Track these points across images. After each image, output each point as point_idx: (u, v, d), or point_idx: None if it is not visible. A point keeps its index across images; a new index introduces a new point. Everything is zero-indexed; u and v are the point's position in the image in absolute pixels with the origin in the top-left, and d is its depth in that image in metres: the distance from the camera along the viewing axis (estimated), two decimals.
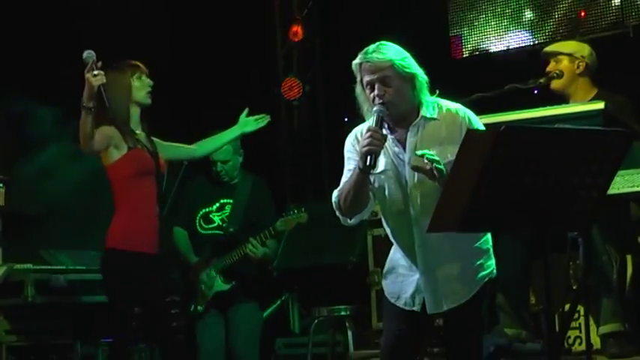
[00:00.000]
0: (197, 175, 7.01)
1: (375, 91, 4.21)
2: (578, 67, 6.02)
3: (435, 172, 4.07)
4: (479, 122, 4.36)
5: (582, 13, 8.41)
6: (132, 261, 5.38)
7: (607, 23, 8.29)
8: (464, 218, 3.70)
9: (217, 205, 6.93)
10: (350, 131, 4.44)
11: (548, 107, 5.36)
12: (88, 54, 5.21)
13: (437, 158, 4.09)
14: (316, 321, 6.96)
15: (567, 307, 5.40)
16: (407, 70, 4.24)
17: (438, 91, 4.35)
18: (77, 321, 6.64)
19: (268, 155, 8.91)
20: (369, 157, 4.12)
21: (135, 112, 5.57)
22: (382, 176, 4.30)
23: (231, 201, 6.91)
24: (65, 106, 5.94)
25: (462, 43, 8.97)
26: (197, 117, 8.20)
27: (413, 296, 4.37)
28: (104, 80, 5.15)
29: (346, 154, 4.41)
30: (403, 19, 8.52)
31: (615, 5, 8.22)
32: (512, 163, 3.62)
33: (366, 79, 4.24)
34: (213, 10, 9.06)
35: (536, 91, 6.07)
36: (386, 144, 4.20)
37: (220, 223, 6.88)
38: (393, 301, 4.44)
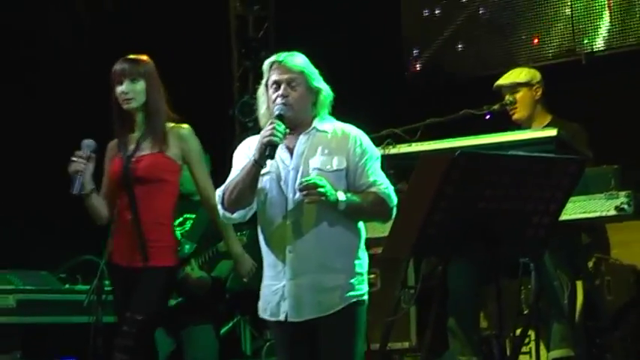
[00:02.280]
0: None
1: (280, 91, 4.27)
2: (536, 93, 6.06)
3: (320, 198, 4.10)
4: (370, 144, 4.36)
5: (535, 40, 8.48)
6: (111, 273, 5.33)
7: (559, 50, 8.37)
8: (417, 242, 3.70)
9: (180, 219, 6.90)
10: None
11: (502, 133, 5.37)
12: (89, 143, 5.15)
13: (322, 183, 4.11)
14: (268, 344, 6.93)
15: (518, 331, 5.41)
16: (314, 82, 4.32)
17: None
18: (26, 342, 6.54)
19: (222, 176, 8.87)
20: (268, 148, 4.16)
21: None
22: (265, 178, 4.30)
23: (194, 216, 6.88)
24: None
25: (417, 64, 9.05)
26: None
27: (278, 304, 4.30)
28: (80, 168, 5.07)
29: (237, 159, 4.43)
30: (359, 40, 8.57)
31: (568, 33, 8.30)
32: (466, 188, 3.62)
33: (274, 78, 4.29)
34: (169, 30, 9.02)
35: (488, 116, 6.09)
36: None
37: (180, 238, 6.85)
38: (262, 315, 4.40)
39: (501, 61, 8.42)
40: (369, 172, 4.24)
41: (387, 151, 5.43)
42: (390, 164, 5.19)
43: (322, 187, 4.11)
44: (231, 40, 9.45)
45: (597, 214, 5.23)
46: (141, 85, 5.20)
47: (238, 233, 6.60)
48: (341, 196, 4.15)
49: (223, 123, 9.17)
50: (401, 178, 5.19)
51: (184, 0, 8.92)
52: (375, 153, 4.33)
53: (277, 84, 4.30)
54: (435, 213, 3.63)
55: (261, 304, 4.41)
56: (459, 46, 8.87)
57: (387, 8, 9.06)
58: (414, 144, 5.44)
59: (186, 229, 6.85)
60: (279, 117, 4.23)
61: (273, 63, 4.34)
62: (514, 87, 6.05)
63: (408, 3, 9.12)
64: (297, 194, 4.21)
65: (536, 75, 6.12)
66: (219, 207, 4.38)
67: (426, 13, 9.04)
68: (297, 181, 4.22)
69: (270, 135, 4.16)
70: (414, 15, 9.10)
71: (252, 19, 9.48)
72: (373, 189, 4.21)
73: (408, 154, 5.42)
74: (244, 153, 4.41)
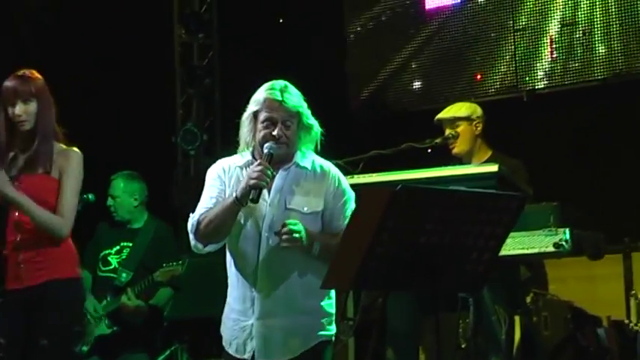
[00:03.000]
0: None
1: (276, 131, 4.20)
2: (476, 128, 6.10)
3: (295, 244, 4.10)
4: (347, 185, 4.38)
5: (478, 76, 8.56)
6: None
7: (502, 87, 8.45)
8: (357, 276, 3.68)
9: (117, 247, 6.86)
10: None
11: (444, 167, 5.39)
12: None
13: (297, 228, 4.10)
14: None
15: None
16: (308, 120, 4.28)
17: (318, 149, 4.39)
18: None
19: (163, 205, 8.81)
20: (253, 191, 4.10)
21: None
22: (243, 209, 4.23)
23: (131, 244, 6.83)
24: None
25: (361, 96, 9.09)
26: (93, 161, 8.06)
27: (245, 343, 4.26)
28: None
29: (209, 181, 4.35)
30: (303, 70, 8.58)
31: (510, 69, 8.39)
32: (407, 222, 3.62)
33: (269, 114, 4.22)
34: (113, 54, 8.97)
35: (429, 150, 6.13)
36: None
37: (117, 266, 6.79)
38: (226, 348, 4.34)
39: (445, 95, 8.51)
40: (346, 214, 4.24)
41: None
42: None
43: (298, 232, 4.10)
44: (175, 67, 9.41)
45: (536, 251, 5.26)
46: (33, 106, 4.95)
47: (174, 263, 6.58)
48: (315, 244, 4.14)
49: (166, 150, 9.12)
50: None
51: (129, 25, 8.88)
52: (352, 194, 4.31)
53: (272, 122, 4.22)
54: (376, 246, 3.63)
55: (226, 337, 4.34)
56: (404, 79, 8.93)
57: (332, 39, 9.11)
58: (356, 176, 5.44)
59: (123, 257, 6.80)
60: (269, 156, 4.17)
61: (268, 99, 4.24)
62: (454, 121, 6.09)
63: (354, 35, 9.17)
64: (271, 232, 4.18)
65: (477, 110, 6.16)
66: (191, 236, 4.29)
67: (371, 45, 9.09)
68: (273, 218, 4.19)
69: (258, 178, 4.09)
70: (359, 47, 9.16)
71: (197, 46, 9.46)
72: None
73: (350, 187, 5.42)
74: (218, 176, 4.33)
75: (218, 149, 9.18)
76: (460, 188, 4.36)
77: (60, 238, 4.91)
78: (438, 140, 6.04)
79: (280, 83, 4.29)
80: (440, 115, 6.16)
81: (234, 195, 4.15)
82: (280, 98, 4.22)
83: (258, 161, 4.18)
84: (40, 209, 4.86)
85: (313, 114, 4.34)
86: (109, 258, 6.83)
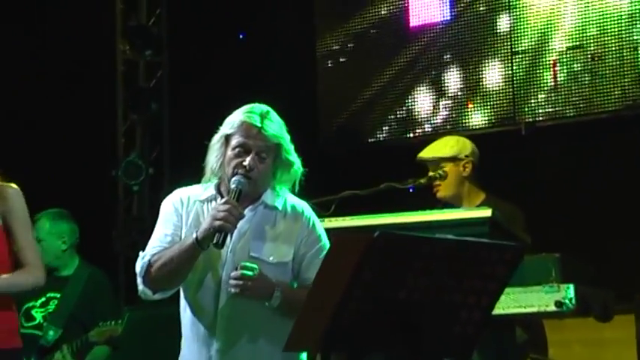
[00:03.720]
0: None
1: (247, 161, 4.18)
2: (464, 169, 6.10)
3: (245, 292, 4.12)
4: (321, 228, 4.39)
5: (469, 105, 8.61)
6: None
7: (496, 118, 8.50)
8: (326, 336, 3.68)
9: (42, 299, 6.82)
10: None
11: (428, 211, 5.41)
12: None
13: (250, 267, 4.11)
14: None
15: None
16: (289, 156, 4.28)
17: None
18: None
19: (102, 247, 8.79)
20: (217, 235, 4.08)
21: None
22: (202, 253, 4.22)
23: (59, 295, 6.80)
24: None
25: (332, 126, 9.12)
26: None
27: None
28: None
29: (165, 216, 4.32)
30: (268, 97, 8.59)
31: (507, 97, 8.44)
32: (385, 274, 3.63)
33: (242, 140, 4.20)
34: (43, 71, 8.97)
35: (411, 189, 6.14)
36: None
37: (42, 321, 6.76)
38: None
39: (431, 126, 8.56)
40: (318, 265, 4.20)
41: None
42: None
43: (251, 269, 4.10)
44: (117, 88, 9.40)
45: (535, 309, 5.27)
46: None
47: (112, 322, 6.55)
48: (276, 293, 4.14)
49: (105, 186, 9.10)
50: None
51: (63, 38, 8.88)
52: (327, 241, 4.31)
53: (245, 150, 4.21)
54: (348, 302, 3.63)
55: None
56: (383, 105, 8.96)
57: (301, 58, 9.13)
58: (327, 219, 5.44)
59: (50, 310, 6.76)
60: (237, 192, 4.16)
61: (245, 123, 4.23)
62: (438, 162, 6.09)
63: (326, 55, 9.21)
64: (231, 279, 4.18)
65: (466, 146, 6.14)
66: (139, 280, 4.26)
67: (346, 66, 9.13)
68: (234, 267, 4.18)
69: (224, 220, 4.08)
70: (331, 69, 9.19)
71: (143, 65, 9.47)
72: None
73: None
74: (175, 209, 4.32)
75: (166, 185, 9.17)
76: (447, 236, 4.37)
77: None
78: (422, 180, 6.05)
79: (262, 107, 4.29)
80: (421, 155, 6.16)
81: (194, 236, 4.14)
82: (259, 124, 4.21)
83: (225, 199, 4.17)
84: (3, 280, 4.99)
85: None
86: (33, 312, 6.79)
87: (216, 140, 4.28)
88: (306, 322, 3.76)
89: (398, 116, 8.93)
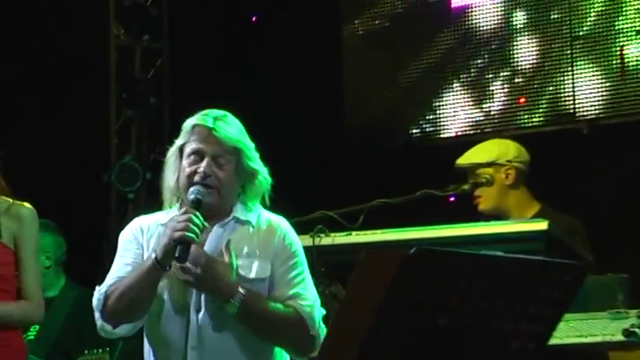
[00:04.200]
0: None
1: (202, 167, 4.25)
2: (507, 177, 6.03)
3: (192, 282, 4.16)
4: (299, 245, 4.44)
5: (522, 100, 8.61)
6: None
7: (553, 114, 8.49)
8: None
9: None
10: None
11: (473, 224, 5.42)
12: None
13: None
14: None
15: None
16: (252, 164, 4.34)
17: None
18: None
19: (92, 264, 8.82)
20: (179, 247, 4.11)
21: None
22: (164, 279, 4.26)
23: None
24: None
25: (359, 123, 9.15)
26: None
27: None
28: None
29: (124, 244, 4.40)
30: (283, 90, 8.62)
31: (566, 92, 8.42)
32: (422, 297, 3.63)
33: (196, 146, 4.28)
34: (25, 61, 9.02)
35: (453, 198, 6.13)
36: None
37: None
38: None
39: (475, 124, 8.56)
40: (293, 281, 4.30)
41: (317, 242, 5.43)
42: (320, 259, 5.20)
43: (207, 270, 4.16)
44: (109, 79, 9.42)
45: (599, 339, 5.28)
46: None
47: (99, 350, 6.58)
48: (236, 297, 4.16)
49: (95, 193, 9.13)
50: (335, 278, 5.20)
51: (49, 23, 8.94)
52: (304, 258, 4.39)
53: (199, 156, 4.27)
54: (380, 329, 3.63)
55: None
56: (416, 103, 8.97)
57: (323, 42, 9.13)
58: (354, 233, 5.46)
59: (30, 337, 6.80)
60: (196, 203, 4.21)
61: (197, 126, 4.31)
62: (474, 168, 6.06)
63: (352, 40, 9.22)
64: (203, 310, 4.22)
65: (508, 151, 6.08)
66: (97, 315, 4.32)
67: (373, 55, 9.13)
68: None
69: (184, 229, 4.11)
70: (357, 57, 9.20)
71: (140, 52, 9.48)
72: (291, 302, 4.25)
73: (347, 247, 5.44)
74: (135, 238, 4.38)
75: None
76: (496, 253, 4.37)
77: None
78: (465, 187, 6.04)
79: (217, 111, 4.36)
80: (457, 161, 6.14)
81: (153, 256, 4.18)
82: (211, 125, 4.29)
83: (184, 209, 4.22)
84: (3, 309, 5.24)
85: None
86: None
87: (170, 154, 4.39)
88: (332, 353, 3.77)
89: (436, 113, 8.93)
